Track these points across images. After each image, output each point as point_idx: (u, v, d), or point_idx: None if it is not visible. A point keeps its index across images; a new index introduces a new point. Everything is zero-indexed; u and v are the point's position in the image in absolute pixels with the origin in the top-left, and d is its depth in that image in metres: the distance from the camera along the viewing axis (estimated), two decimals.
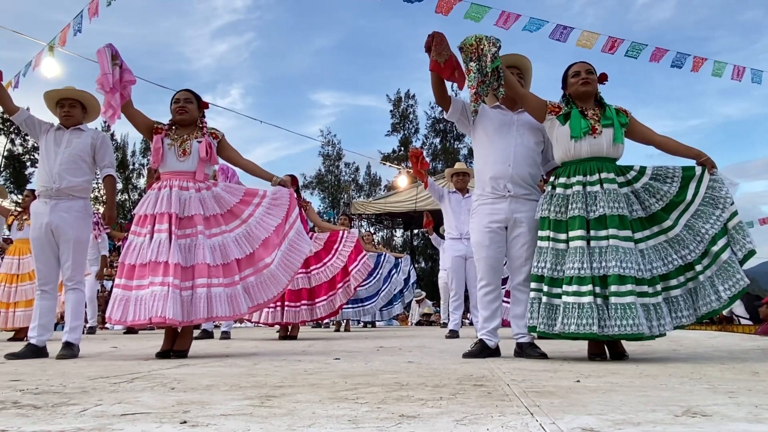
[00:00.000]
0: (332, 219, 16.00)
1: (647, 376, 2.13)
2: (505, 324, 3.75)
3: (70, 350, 3.54)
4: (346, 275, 5.61)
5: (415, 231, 22.90)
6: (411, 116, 32.11)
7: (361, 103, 42.55)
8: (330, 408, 1.43)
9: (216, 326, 6.72)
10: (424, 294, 12.76)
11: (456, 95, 3.31)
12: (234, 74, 40.60)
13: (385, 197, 17.93)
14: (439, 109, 31.36)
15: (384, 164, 29.13)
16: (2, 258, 6.44)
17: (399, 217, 18.61)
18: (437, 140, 32.21)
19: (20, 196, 19.90)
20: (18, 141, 27.57)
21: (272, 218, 3.60)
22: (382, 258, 8.90)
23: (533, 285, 2.95)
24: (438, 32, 3.03)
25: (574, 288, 2.75)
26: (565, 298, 2.77)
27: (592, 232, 2.83)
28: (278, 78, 41.37)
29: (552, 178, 3.09)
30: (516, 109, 3.34)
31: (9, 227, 6.30)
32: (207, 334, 6.09)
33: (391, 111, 32.18)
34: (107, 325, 9.68)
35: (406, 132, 31.90)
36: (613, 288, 2.70)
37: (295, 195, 3.90)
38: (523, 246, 3.22)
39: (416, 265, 15.00)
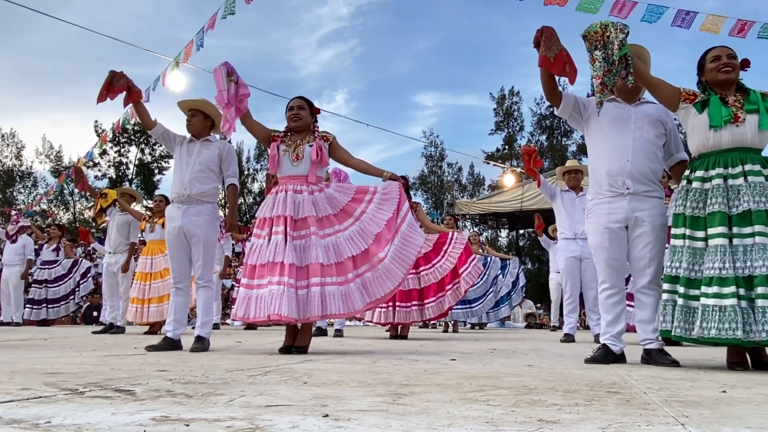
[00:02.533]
0: (436, 220, 16.00)
1: None
2: (628, 329, 3.56)
3: (201, 344, 3.79)
4: (455, 277, 5.57)
5: (521, 231, 22.37)
6: (515, 114, 31.43)
7: (464, 103, 42.12)
8: (463, 409, 1.42)
9: (329, 324, 6.94)
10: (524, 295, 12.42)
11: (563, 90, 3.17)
12: (339, 80, 41.73)
13: (489, 197, 17.69)
14: (546, 105, 30.51)
15: (488, 163, 28.73)
16: (137, 258, 7.04)
17: (504, 217, 18.25)
18: (543, 137, 31.29)
19: (149, 201, 21.67)
20: (147, 151, 30.10)
21: (383, 213, 3.64)
22: (489, 260, 8.76)
23: (666, 286, 2.76)
24: (547, 26, 2.93)
25: (714, 289, 2.54)
26: (704, 300, 2.57)
27: (735, 229, 2.60)
28: (381, 81, 42.00)
29: (687, 172, 2.88)
30: (634, 101, 3.15)
31: (143, 230, 6.87)
32: (321, 332, 6.30)
33: (494, 109, 31.70)
34: (227, 321, 10.30)
35: (510, 130, 31.26)
36: (760, 290, 2.47)
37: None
38: (646, 246, 3.03)
39: (523, 267, 14.58)
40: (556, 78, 3.08)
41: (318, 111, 3.87)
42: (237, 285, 8.88)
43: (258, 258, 3.50)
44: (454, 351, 3.90)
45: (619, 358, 3.09)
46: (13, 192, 29.48)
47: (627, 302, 4.05)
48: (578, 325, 7.15)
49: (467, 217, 17.08)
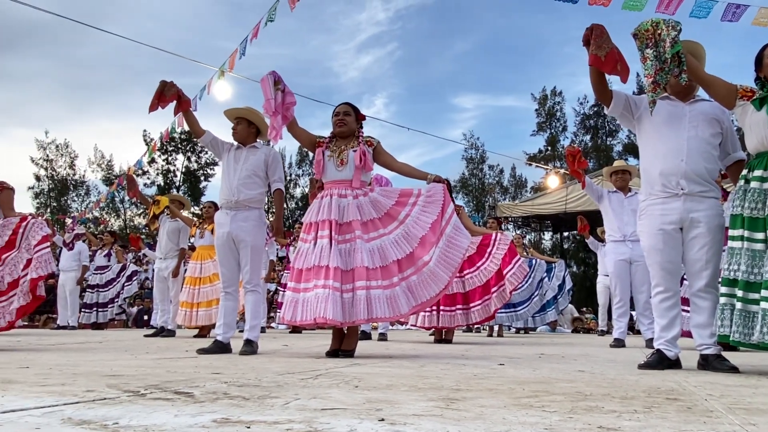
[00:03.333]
0: (477, 223, 15.86)
1: None
2: (683, 334, 3.45)
3: (250, 347, 3.86)
4: (500, 279, 5.50)
5: (565, 233, 21.96)
6: (558, 114, 30.94)
7: (504, 104, 41.70)
8: (519, 415, 1.40)
9: (373, 328, 6.97)
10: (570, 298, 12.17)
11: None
12: (378, 84, 41.91)
13: (532, 199, 17.47)
14: (589, 104, 29.97)
15: (530, 165, 28.34)
16: (186, 263, 7.22)
17: (548, 219, 18.00)
18: (587, 137, 30.69)
19: (196, 208, 22.21)
20: (193, 158, 30.89)
21: (428, 215, 3.62)
22: (534, 263, 8.63)
23: (724, 290, 2.67)
24: (597, 24, 2.87)
25: None
26: (764, 304, 2.47)
27: None
28: (420, 85, 41.98)
29: (744, 171, 2.78)
30: (688, 99, 3.06)
31: (193, 236, 7.05)
32: (365, 336, 6.33)
33: (536, 110, 31.27)
34: (272, 324, 10.45)
35: (552, 131, 30.78)
36: None
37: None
38: (702, 248, 2.94)
39: (568, 270, 14.31)
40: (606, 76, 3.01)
41: (363, 117, 3.90)
42: (281, 289, 8.99)
43: (304, 262, 3.54)
44: (501, 356, 3.86)
45: (674, 364, 3.00)
46: (67, 200, 30.63)
47: (682, 306, 3.93)
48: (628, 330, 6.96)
49: (509, 219, 16.90)
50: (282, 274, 9.60)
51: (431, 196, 3.70)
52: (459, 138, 31.71)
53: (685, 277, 3.13)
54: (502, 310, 7.32)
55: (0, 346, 4.30)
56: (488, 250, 5.71)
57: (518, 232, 16.66)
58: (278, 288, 9.90)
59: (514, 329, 10.20)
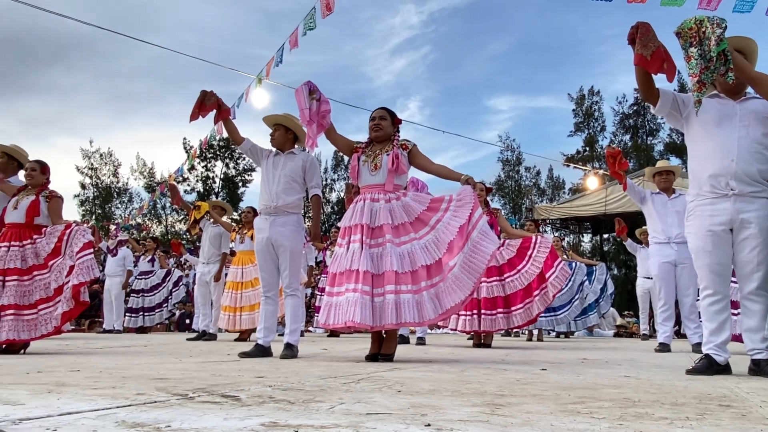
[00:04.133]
0: (515, 226, 15.69)
1: None
2: (733, 338, 3.34)
3: (291, 351, 3.90)
4: (542, 282, 5.43)
5: (605, 235, 21.55)
6: (596, 113, 30.42)
7: (540, 105, 41.21)
8: (567, 421, 1.38)
9: (411, 332, 6.95)
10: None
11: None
12: (412, 88, 41.95)
13: (570, 200, 17.22)
14: (628, 103, 29.38)
15: (567, 166, 27.92)
16: (227, 268, 7.35)
17: (587, 221, 17.74)
18: (627, 137, 30.08)
19: (235, 214, 22.56)
20: (232, 165, 31.45)
21: (457, 220, 3.58)
22: (575, 265, 8.49)
23: None
24: (643, 22, 2.80)
25: None
26: None
27: None
28: (454, 87, 41.83)
29: None
30: (739, 97, 2.97)
31: (233, 240, 7.17)
32: (403, 340, 6.32)
33: (573, 110, 30.85)
34: (310, 328, 10.54)
35: (590, 131, 30.28)
36: None
37: (479, 195, 3.80)
38: (753, 250, 2.84)
39: (609, 273, 14.00)
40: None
41: (399, 121, 3.91)
42: (319, 293, 9.06)
43: (337, 266, 3.59)
44: (543, 360, 3.80)
45: (724, 369, 2.91)
46: (111, 207, 31.55)
47: (731, 309, 3.81)
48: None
49: (547, 221, 16.68)
50: (319, 278, 9.68)
51: (461, 200, 3.67)
52: (494, 140, 31.51)
53: (735, 279, 3.03)
54: (543, 314, 7.22)
55: (50, 350, 4.46)
56: (528, 252, 5.64)
57: (557, 234, 16.40)
58: (315, 292, 9.98)
59: (554, 333, 10.05)
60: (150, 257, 10.47)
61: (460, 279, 3.45)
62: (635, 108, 29.15)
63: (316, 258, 9.80)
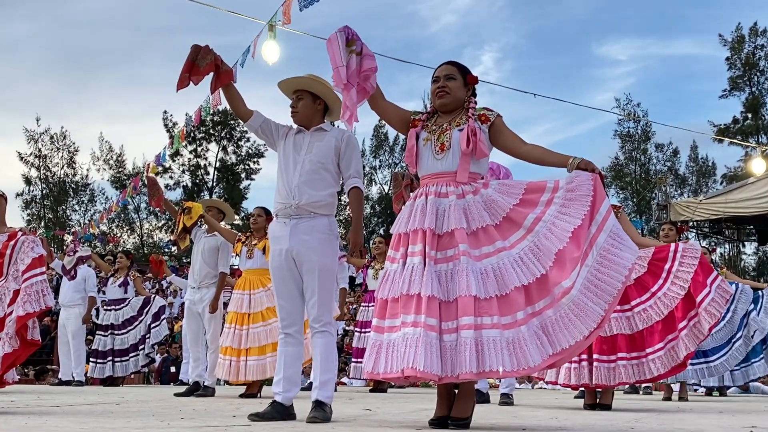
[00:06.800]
0: (643, 231, 15.44)
1: None
2: None
3: (322, 411, 3.93)
4: (690, 307, 5.26)
5: None
6: (762, 64, 29.64)
7: (676, 52, 40.37)
8: None
9: (493, 386, 6.94)
10: None
11: None
12: (485, 33, 41.88)
13: (725, 193, 16.90)
14: None
15: (719, 142, 27.32)
16: (227, 294, 7.43)
17: (750, 223, 17.41)
18: None
19: (238, 218, 22.89)
20: (231, 148, 31.89)
21: (569, 219, 3.49)
22: (736, 288, 8.26)
23: None
24: None
25: None
26: None
27: None
28: (547, 30, 41.42)
29: None
30: None
31: (237, 255, 7.20)
32: (482, 397, 6.29)
33: (727, 59, 30.16)
34: (344, 379, 10.61)
35: (754, 89, 29.52)
36: None
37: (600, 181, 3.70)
38: None
39: None
40: None
41: (475, 80, 3.88)
42: (357, 330, 9.07)
43: (389, 290, 3.56)
44: (690, 431, 3.74)
45: None
46: (65, 210, 32.37)
47: None
48: None
49: (690, 224, 16.40)
50: (355, 308, 9.70)
51: (573, 190, 3.58)
52: (609, 105, 31.06)
53: None
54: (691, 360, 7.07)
55: None
56: (666, 266, 5.52)
57: (704, 243, 16.08)
58: (355, 329, 9.97)
59: (704, 389, 9.81)
60: (121, 280, 10.58)
61: (581, 305, 3.38)
62: None
63: (354, 278, 9.85)
